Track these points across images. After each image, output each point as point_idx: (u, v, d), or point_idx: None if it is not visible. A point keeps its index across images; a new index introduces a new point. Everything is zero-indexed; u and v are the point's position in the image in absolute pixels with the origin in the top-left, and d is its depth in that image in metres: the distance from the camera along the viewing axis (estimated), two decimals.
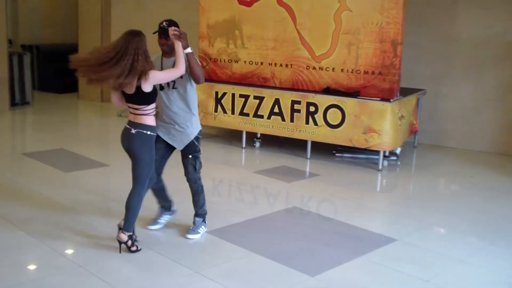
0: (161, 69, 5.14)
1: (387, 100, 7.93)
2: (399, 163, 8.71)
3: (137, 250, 5.05)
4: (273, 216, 6.18)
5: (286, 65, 8.76)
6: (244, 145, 9.22)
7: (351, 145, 8.22)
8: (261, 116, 8.78)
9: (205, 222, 5.57)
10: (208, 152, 9.10)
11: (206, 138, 9.83)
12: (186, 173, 5.39)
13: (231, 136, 9.81)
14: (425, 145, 9.89)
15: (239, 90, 8.97)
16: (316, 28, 8.46)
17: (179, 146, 5.30)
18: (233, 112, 9.02)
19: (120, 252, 5.04)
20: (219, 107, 9.17)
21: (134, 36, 4.93)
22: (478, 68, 9.56)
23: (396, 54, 7.89)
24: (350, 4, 8.12)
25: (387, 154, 8.50)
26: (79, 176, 7.46)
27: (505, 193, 7.44)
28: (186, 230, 5.55)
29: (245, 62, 9.11)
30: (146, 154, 4.96)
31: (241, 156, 9.00)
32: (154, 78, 4.84)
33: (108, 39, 12.95)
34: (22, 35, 14.60)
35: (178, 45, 4.95)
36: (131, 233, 5.05)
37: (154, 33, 5.19)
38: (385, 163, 8.45)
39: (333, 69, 8.38)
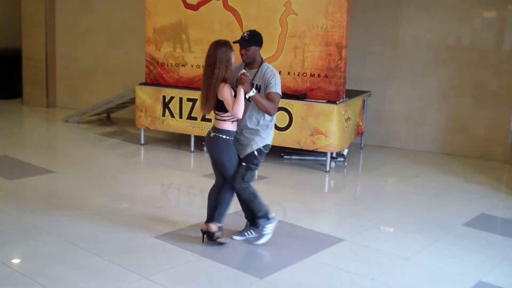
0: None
1: (333, 102, 8.04)
2: (346, 164, 8.84)
3: (224, 243, 5.36)
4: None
5: None
6: (192, 149, 9.20)
7: (299, 147, 8.30)
8: (209, 120, 8.75)
9: (268, 218, 5.49)
10: (157, 157, 9.08)
11: (154, 142, 9.81)
12: (234, 181, 5.32)
13: (180, 140, 9.78)
14: (372, 146, 10.07)
15: (187, 94, 8.95)
16: (263, 31, 8.32)
17: (241, 154, 5.30)
18: (181, 116, 9.00)
19: (203, 241, 5.36)
20: (166, 111, 9.13)
21: (226, 48, 5.14)
22: (422, 70, 9.81)
23: (341, 57, 8.01)
24: (296, 8, 8.21)
25: (334, 155, 8.62)
26: (24, 183, 7.32)
27: (449, 191, 7.64)
28: (131, 235, 5.53)
29: (192, 66, 9.09)
30: (225, 156, 5.24)
31: (190, 160, 8.98)
32: (220, 93, 5.08)
33: (53, 43, 12.77)
34: None
35: (240, 90, 5.05)
36: (221, 225, 5.36)
37: (234, 42, 5.24)
38: (333, 164, 8.57)
39: (279, 72, 8.40)
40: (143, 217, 6.12)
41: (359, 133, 9.36)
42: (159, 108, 9.19)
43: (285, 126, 8.21)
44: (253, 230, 5.60)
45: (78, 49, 12.67)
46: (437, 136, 9.85)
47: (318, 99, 8.13)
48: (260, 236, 5.50)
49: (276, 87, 5.19)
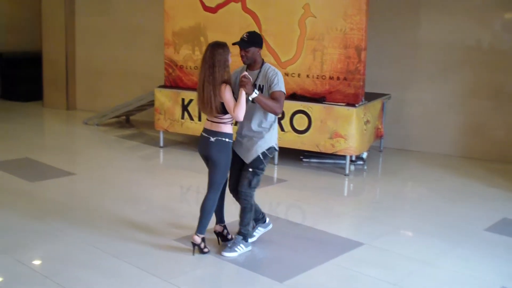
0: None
1: (353, 105, 8.00)
2: (365, 167, 8.80)
3: (208, 252, 5.27)
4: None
5: None
6: None
7: (318, 150, 8.27)
8: None
9: (246, 241, 5.38)
10: (176, 159, 9.10)
11: (173, 145, 9.82)
12: (239, 185, 5.28)
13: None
14: (391, 149, 10.00)
15: None
16: (281, 34, 8.51)
17: (246, 159, 5.26)
18: (200, 119, 9.00)
19: (193, 254, 5.20)
20: (185, 114, 9.14)
21: (221, 49, 5.09)
22: (441, 72, 9.72)
23: (360, 60, 7.97)
24: (314, 11, 8.18)
25: (353, 158, 8.58)
26: (44, 185, 7.36)
27: (469, 195, 7.57)
28: (150, 238, 5.54)
29: None
30: (222, 160, 5.15)
31: None
32: (221, 95, 5.02)
33: (73, 46, 12.85)
34: None
35: (242, 92, 5.02)
36: (204, 236, 5.25)
37: (234, 44, 5.22)
38: (352, 167, 8.53)
39: (298, 75, 8.43)
40: (162, 219, 6.13)
41: (378, 136, 9.30)
42: (178, 110, 9.21)
43: (304, 129, 8.19)
44: (261, 226, 5.60)
45: (97, 52, 12.74)
46: (456, 139, 9.75)
47: (337, 102, 8.09)
48: (231, 249, 5.30)
49: (280, 86, 5.14)
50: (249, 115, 5.20)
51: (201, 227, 5.22)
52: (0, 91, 14.20)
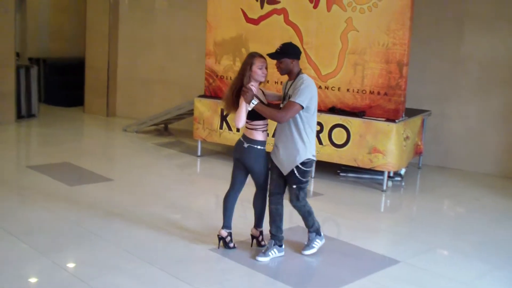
0: (284, 91, 5.34)
1: (393, 120, 7.92)
2: (403, 183, 8.68)
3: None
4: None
5: None
6: None
7: (356, 165, 8.20)
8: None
9: (320, 235, 5.56)
10: (213, 168, 9.12)
11: (210, 154, 9.85)
12: (290, 200, 5.39)
13: None
14: (430, 166, 9.85)
15: None
16: (323, 47, 8.48)
17: (283, 171, 5.32)
18: (238, 130, 9.02)
19: (251, 246, 5.55)
20: (224, 124, 9.17)
21: (248, 57, 5.29)
22: (483, 89, 9.57)
23: (401, 75, 7.89)
24: (357, 25, 8.14)
25: (391, 174, 8.48)
26: (83, 190, 7.45)
27: (510, 216, 7.40)
28: (185, 245, 5.55)
29: None
30: (258, 166, 5.36)
31: None
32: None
33: (115, 54, 13.03)
34: (30, 48, 14.66)
35: (241, 102, 5.14)
36: (261, 229, 5.59)
37: (268, 55, 5.32)
38: (390, 183, 8.43)
39: (338, 88, 8.38)
40: (198, 228, 6.14)
41: (417, 152, 9.18)
42: (216, 120, 9.24)
43: (343, 143, 8.13)
44: (277, 250, 5.46)
45: (138, 60, 12.90)
46: (498, 159, 9.56)
47: (377, 117, 8.02)
48: (309, 247, 5.52)
49: (298, 97, 5.06)
50: (281, 125, 5.27)
51: (259, 221, 5.58)
52: (44, 97, 14.46)
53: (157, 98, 12.61)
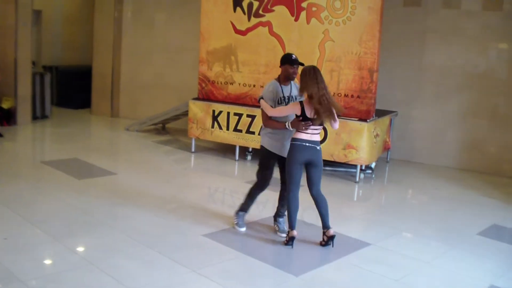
0: (285, 94, 5.56)
1: (364, 120, 7.95)
2: (374, 176, 8.72)
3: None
4: (262, 222, 6.15)
5: None
6: (237, 158, 9.20)
7: (332, 160, 8.22)
8: (253, 133, 8.78)
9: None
10: (205, 163, 9.11)
11: (203, 151, 9.84)
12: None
13: (226, 150, 9.78)
14: (397, 160, 9.90)
15: (234, 109, 8.96)
16: (303, 56, 8.36)
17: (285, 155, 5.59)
18: (228, 128, 9.01)
19: (290, 246, 5.36)
20: (215, 123, 9.15)
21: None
22: (442, 94, 9.64)
23: (372, 80, 7.92)
24: (333, 36, 8.15)
25: (363, 168, 8.51)
26: (90, 182, 7.41)
27: (465, 203, 7.46)
28: (182, 232, 5.54)
29: (239, 84, 9.10)
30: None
31: (234, 168, 8.98)
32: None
33: (119, 62, 12.96)
34: (44, 57, 14.57)
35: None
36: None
37: (300, 64, 5.50)
38: (362, 175, 8.46)
39: None
40: (192, 216, 6.13)
41: (386, 148, 9.22)
42: (209, 120, 9.22)
43: (321, 140, 8.09)
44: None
45: (139, 67, 12.82)
46: (456, 153, 9.64)
47: (351, 117, 8.05)
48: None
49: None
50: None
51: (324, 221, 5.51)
52: (56, 100, 14.35)
53: (156, 100, 12.54)
